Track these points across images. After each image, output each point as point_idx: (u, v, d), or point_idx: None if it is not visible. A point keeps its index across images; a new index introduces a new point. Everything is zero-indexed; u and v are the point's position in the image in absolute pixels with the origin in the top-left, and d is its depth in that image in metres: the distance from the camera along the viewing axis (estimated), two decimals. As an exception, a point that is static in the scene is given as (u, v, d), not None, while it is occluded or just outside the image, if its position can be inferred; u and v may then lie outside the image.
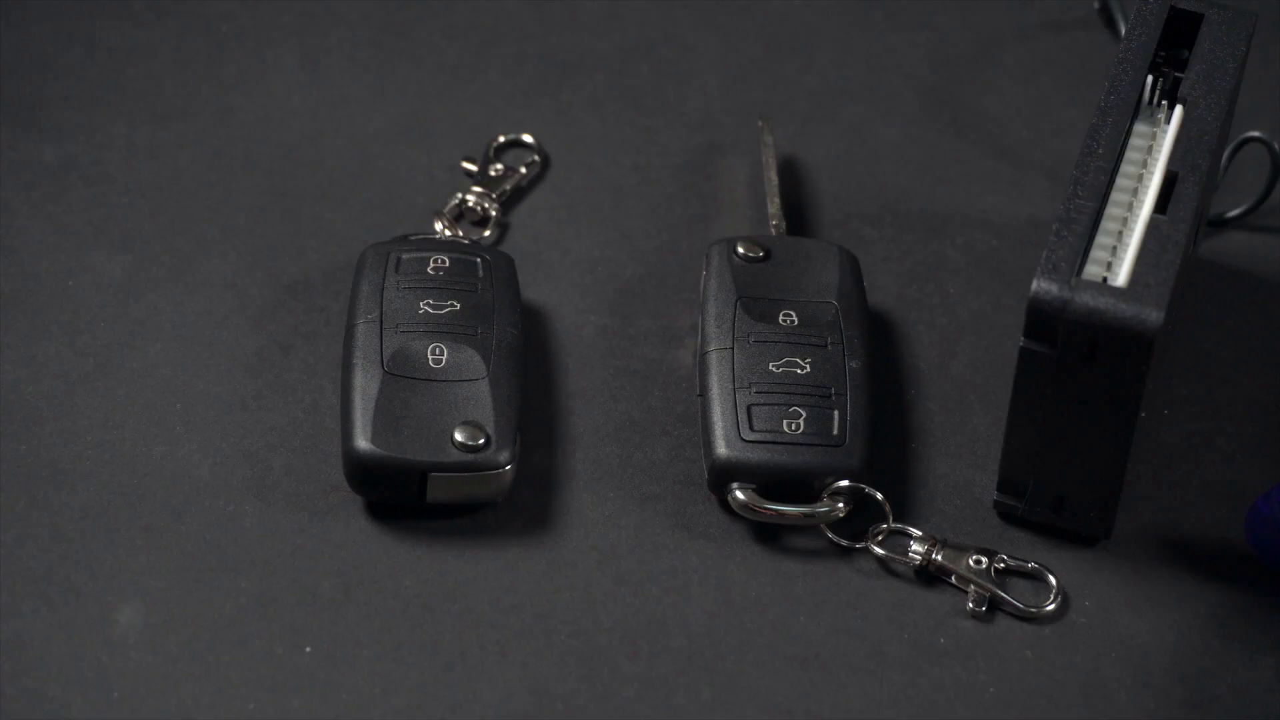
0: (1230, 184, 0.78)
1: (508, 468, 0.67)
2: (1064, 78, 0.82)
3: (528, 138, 0.79)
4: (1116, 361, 0.63)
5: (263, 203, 0.77)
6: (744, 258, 0.72)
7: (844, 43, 0.84)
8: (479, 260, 0.72)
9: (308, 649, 0.65)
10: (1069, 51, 0.83)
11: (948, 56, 0.83)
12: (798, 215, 0.77)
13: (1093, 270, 0.64)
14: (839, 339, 0.70)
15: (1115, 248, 0.65)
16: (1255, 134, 0.76)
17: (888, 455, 0.70)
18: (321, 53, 0.82)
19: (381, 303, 0.70)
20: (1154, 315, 0.63)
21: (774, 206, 0.76)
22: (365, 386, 0.68)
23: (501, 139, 0.79)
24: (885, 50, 0.83)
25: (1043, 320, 0.63)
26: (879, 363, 0.72)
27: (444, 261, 0.72)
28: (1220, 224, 0.77)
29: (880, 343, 0.73)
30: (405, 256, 0.72)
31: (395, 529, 0.68)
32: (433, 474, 0.67)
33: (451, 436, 0.67)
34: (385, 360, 0.69)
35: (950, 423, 0.71)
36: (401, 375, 0.68)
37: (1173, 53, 0.70)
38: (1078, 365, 0.64)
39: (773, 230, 0.75)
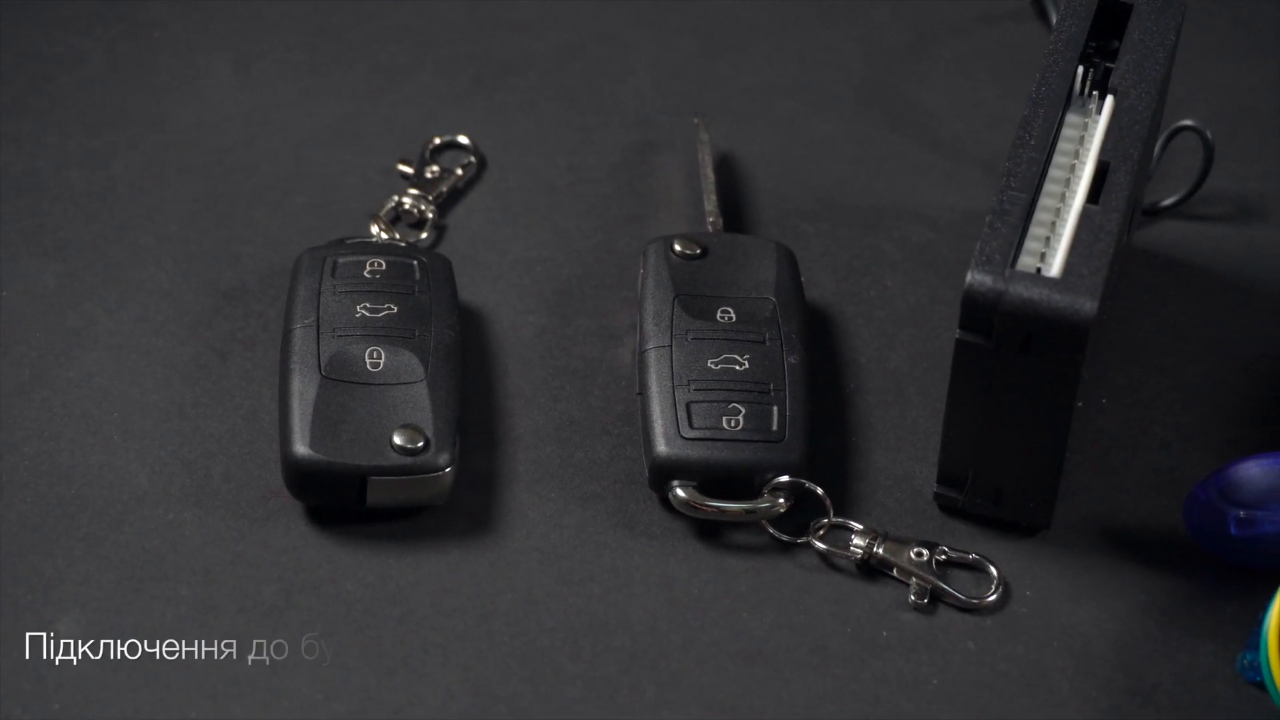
0: (1164, 173, 0.78)
1: (447, 470, 0.67)
2: (997, 70, 0.83)
3: (464, 139, 0.79)
4: (1052, 352, 0.63)
5: (197, 209, 0.76)
6: (681, 255, 0.72)
7: (778, 39, 0.84)
8: (415, 263, 0.72)
9: (250, 656, 0.65)
10: (1002, 44, 0.84)
11: (882, 51, 0.83)
12: (734, 212, 0.77)
13: (1026, 261, 0.64)
14: (777, 335, 0.70)
15: (1049, 238, 0.65)
16: (1188, 123, 0.76)
17: (828, 449, 0.70)
18: (254, 58, 0.82)
19: (318, 307, 0.70)
20: (1088, 305, 0.63)
21: (710, 204, 0.76)
22: (303, 391, 0.68)
23: (437, 140, 0.79)
24: (820, 46, 0.83)
25: (978, 312, 0.64)
26: (817, 357, 0.72)
27: (380, 265, 0.71)
28: (1154, 213, 0.77)
29: (818, 337, 0.73)
30: (341, 260, 0.71)
31: (336, 534, 0.68)
32: (372, 478, 0.67)
33: (390, 440, 0.67)
34: (323, 365, 0.68)
35: (889, 416, 0.71)
36: (339, 379, 0.68)
37: (1103, 43, 0.70)
38: (1013, 356, 0.64)
39: (709, 227, 0.75)
